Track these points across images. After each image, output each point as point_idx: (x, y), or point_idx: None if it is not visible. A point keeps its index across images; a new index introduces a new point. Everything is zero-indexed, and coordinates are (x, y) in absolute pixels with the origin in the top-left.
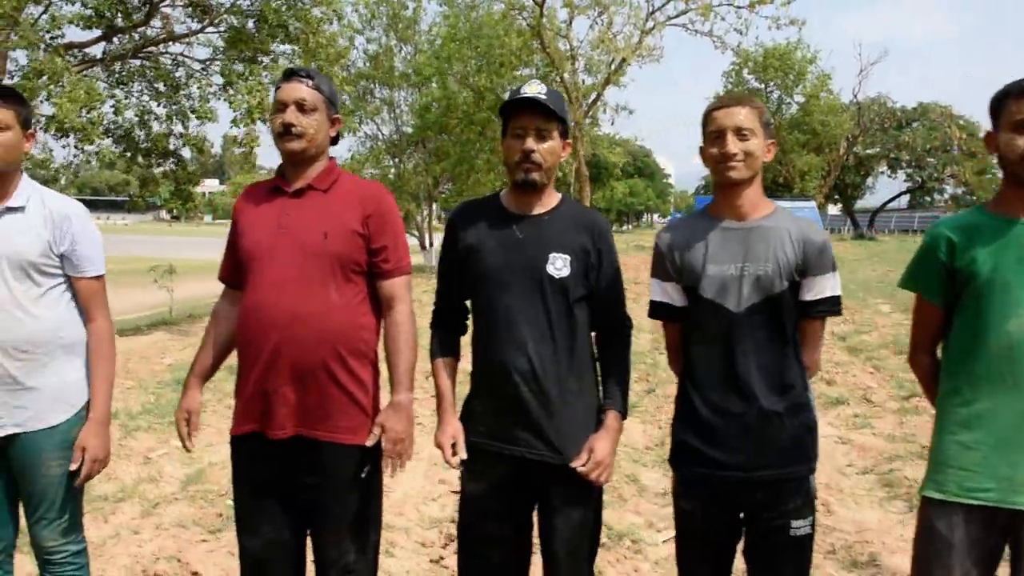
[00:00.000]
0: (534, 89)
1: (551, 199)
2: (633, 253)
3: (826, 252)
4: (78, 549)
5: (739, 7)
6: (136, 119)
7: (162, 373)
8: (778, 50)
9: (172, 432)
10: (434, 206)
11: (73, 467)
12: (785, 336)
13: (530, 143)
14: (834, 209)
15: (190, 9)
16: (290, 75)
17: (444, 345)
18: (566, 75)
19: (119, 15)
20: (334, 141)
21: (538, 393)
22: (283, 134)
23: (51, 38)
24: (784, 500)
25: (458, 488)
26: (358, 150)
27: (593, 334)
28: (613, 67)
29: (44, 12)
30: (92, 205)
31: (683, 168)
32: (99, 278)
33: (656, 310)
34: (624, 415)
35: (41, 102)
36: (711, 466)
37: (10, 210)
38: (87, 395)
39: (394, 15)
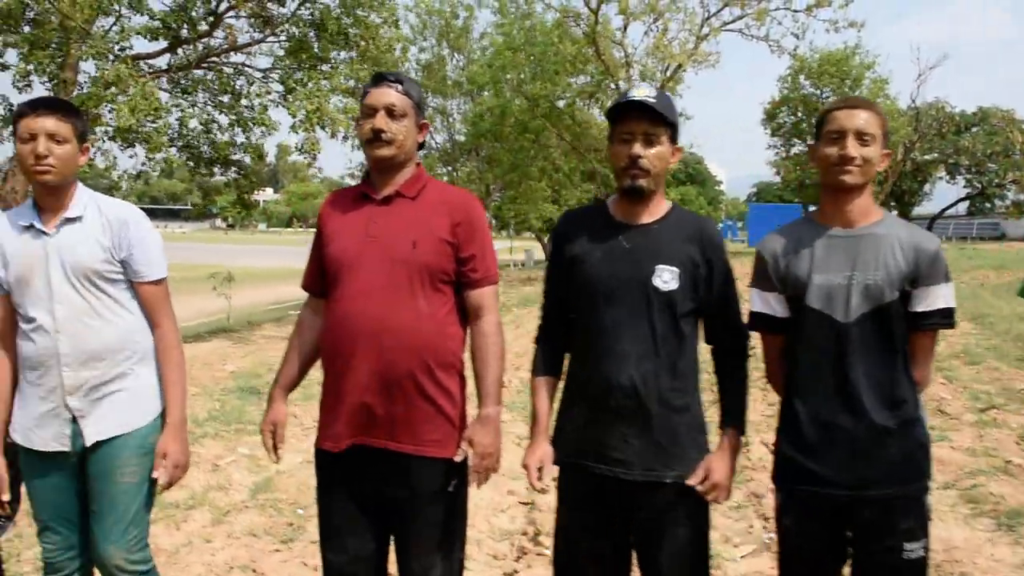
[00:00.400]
0: (642, 92)
1: (660, 207)
2: None
3: (939, 261)
4: (147, 568)
5: (796, 11)
6: (200, 128)
7: (225, 380)
8: (834, 56)
9: (239, 439)
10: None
11: (156, 474)
12: (895, 348)
13: (637, 148)
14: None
15: (253, 20)
16: (379, 80)
17: (548, 362)
18: (621, 82)
19: (185, 26)
20: (419, 146)
21: (638, 410)
22: (372, 140)
23: (119, 49)
24: (895, 521)
25: (527, 500)
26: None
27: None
28: (668, 73)
29: (115, 24)
30: (151, 214)
31: (734, 174)
32: (160, 282)
33: (757, 321)
34: (742, 433)
35: (109, 111)
36: (817, 483)
37: (69, 221)
38: (161, 401)
39: (446, 25)
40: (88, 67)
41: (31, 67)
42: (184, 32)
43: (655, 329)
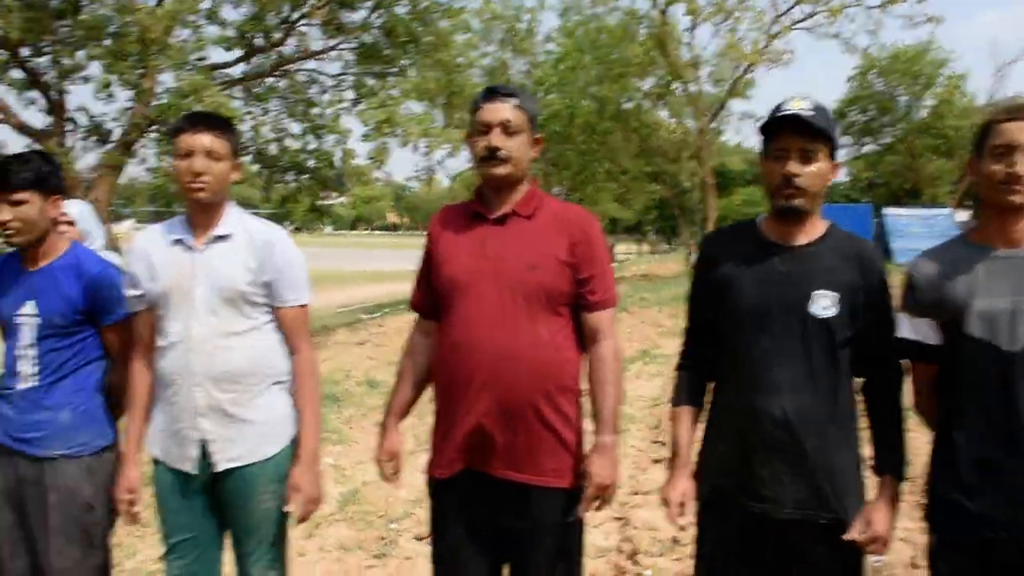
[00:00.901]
0: (797, 105)
1: (816, 228)
2: None
3: None
4: None
5: (870, 7)
6: (272, 136)
7: None
8: (905, 53)
9: (323, 449)
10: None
11: (288, 508)
12: None
13: (792, 166)
14: (963, 215)
15: (325, 27)
16: (492, 94)
17: (691, 391)
18: (690, 85)
19: (259, 35)
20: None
21: (792, 444)
22: (488, 158)
23: (196, 59)
24: None
25: (620, 515)
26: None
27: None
28: (739, 73)
29: (192, 35)
30: None
31: None
32: (303, 307)
33: (907, 349)
34: (903, 478)
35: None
36: (978, 527)
37: (218, 239)
38: (294, 429)
39: (510, 29)
40: (165, 77)
41: (113, 78)
42: (258, 41)
43: (811, 358)
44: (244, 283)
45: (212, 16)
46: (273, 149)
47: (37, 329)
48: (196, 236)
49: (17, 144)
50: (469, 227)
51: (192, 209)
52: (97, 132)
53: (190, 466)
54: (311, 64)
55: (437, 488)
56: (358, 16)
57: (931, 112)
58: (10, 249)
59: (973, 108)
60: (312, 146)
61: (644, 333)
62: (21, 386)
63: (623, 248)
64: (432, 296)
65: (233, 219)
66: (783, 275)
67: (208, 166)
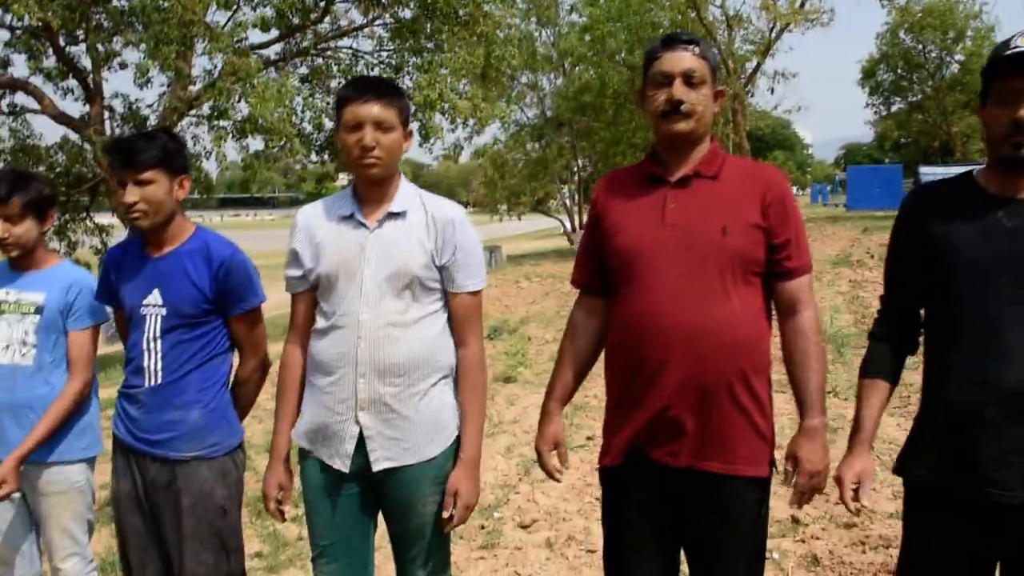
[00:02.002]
0: None
1: None
2: None
3: None
4: None
5: None
6: (310, 115)
7: None
8: (938, 7)
9: None
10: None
11: (446, 514)
12: None
13: None
14: None
15: (361, 3)
16: (672, 42)
17: (882, 362)
18: (723, 45)
19: (297, 14)
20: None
21: None
22: (669, 113)
23: (236, 41)
24: None
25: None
26: (497, 136)
27: None
28: (775, 33)
29: (231, 17)
30: (241, 203)
31: (820, 137)
32: (477, 294)
33: None
34: None
35: (235, 103)
36: None
37: (392, 216)
38: (458, 427)
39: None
40: (201, 60)
41: (155, 63)
42: (295, 20)
43: None
44: (419, 266)
45: None
46: (309, 128)
47: (162, 320)
48: (367, 213)
49: (55, 134)
50: (645, 192)
51: (362, 184)
52: (134, 119)
53: (342, 464)
54: (346, 42)
55: (609, 476)
56: None
57: (961, 67)
58: (122, 237)
59: None
60: None
61: None
62: (148, 383)
63: None
64: (600, 271)
65: (408, 194)
66: (1010, 231)
67: (378, 138)
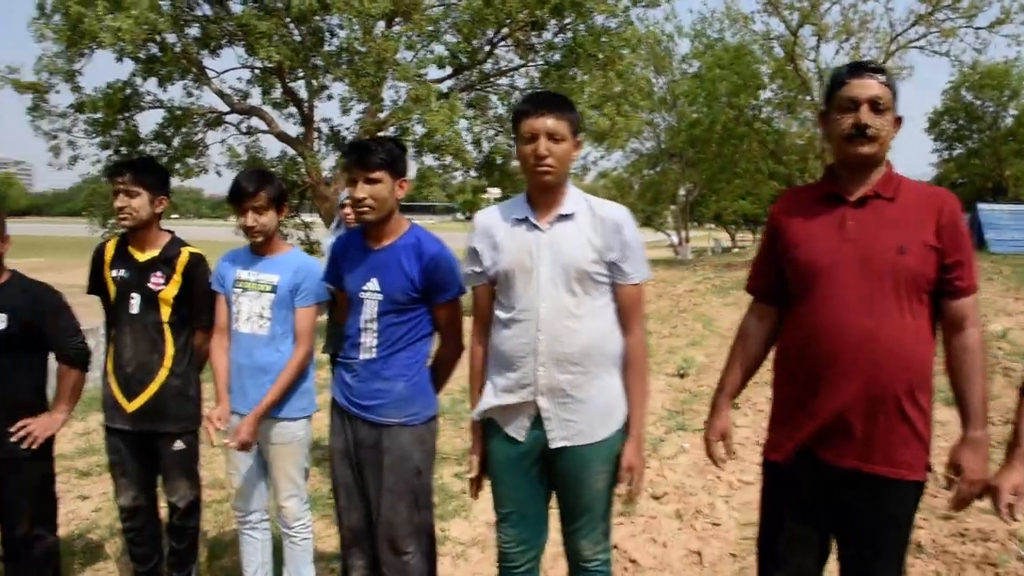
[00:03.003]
0: None
1: None
2: None
3: None
4: (607, 557)
5: (978, 28)
6: (471, 137)
7: None
8: (996, 69)
9: None
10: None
11: (623, 488)
12: None
13: None
14: None
15: (518, 47)
16: (859, 69)
17: None
18: (816, 94)
19: (466, 56)
20: None
21: None
22: (855, 136)
23: (417, 75)
24: None
25: None
26: (620, 163)
27: None
28: None
29: (415, 56)
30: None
31: None
32: (641, 286)
33: None
34: None
35: (414, 125)
36: None
37: (562, 218)
38: (626, 410)
39: (650, 50)
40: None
41: (354, 92)
42: (464, 60)
43: None
44: (588, 262)
45: (434, 37)
46: (470, 147)
47: (378, 305)
48: (539, 216)
49: (274, 151)
50: (823, 209)
51: (535, 190)
52: (334, 139)
53: (517, 434)
54: (504, 80)
55: (774, 470)
56: (545, 38)
57: (1015, 120)
58: (346, 228)
59: None
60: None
61: None
62: (363, 357)
63: (742, 236)
64: (775, 280)
65: (575, 198)
66: None
67: (550, 148)
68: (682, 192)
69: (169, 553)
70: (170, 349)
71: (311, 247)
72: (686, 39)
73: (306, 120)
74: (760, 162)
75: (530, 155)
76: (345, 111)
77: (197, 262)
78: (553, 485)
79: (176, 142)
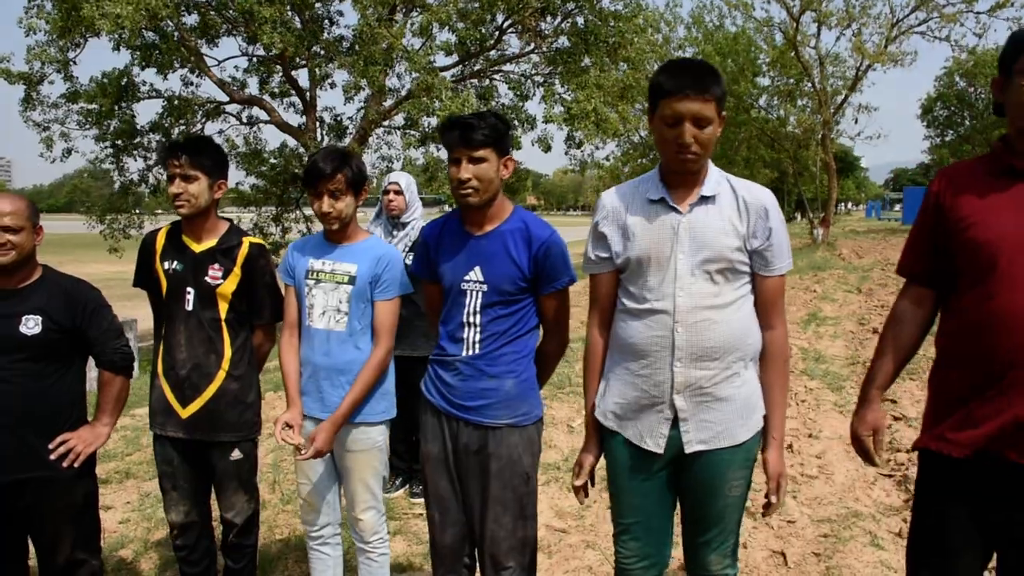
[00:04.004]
0: None
1: None
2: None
3: None
4: (735, 573)
5: (979, 12)
6: None
7: None
8: (988, 54)
9: None
10: None
11: (774, 499)
12: None
13: None
14: None
15: (524, 34)
16: None
17: None
18: (816, 81)
19: (475, 43)
20: None
21: None
22: None
23: (428, 64)
24: None
25: (888, 471)
26: (614, 152)
27: None
28: (860, 71)
29: (424, 43)
30: None
31: (873, 162)
32: (784, 277)
33: None
34: None
35: (425, 116)
36: None
37: (703, 200)
38: (763, 410)
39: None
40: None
41: (363, 81)
42: (473, 48)
43: None
44: (731, 249)
45: (447, 23)
46: None
47: (483, 296)
48: (677, 198)
49: (275, 141)
50: (999, 186)
51: (674, 171)
52: (337, 128)
53: (655, 445)
54: (509, 66)
55: (941, 466)
56: (552, 23)
57: None
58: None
59: None
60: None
61: (803, 299)
62: (466, 353)
63: None
64: (934, 262)
65: (716, 177)
66: None
67: (697, 135)
68: None
69: (225, 573)
70: (228, 349)
71: None
72: (682, 26)
73: (308, 109)
74: (762, 149)
75: (672, 141)
76: (348, 99)
77: (258, 253)
78: (680, 493)
79: (175, 133)
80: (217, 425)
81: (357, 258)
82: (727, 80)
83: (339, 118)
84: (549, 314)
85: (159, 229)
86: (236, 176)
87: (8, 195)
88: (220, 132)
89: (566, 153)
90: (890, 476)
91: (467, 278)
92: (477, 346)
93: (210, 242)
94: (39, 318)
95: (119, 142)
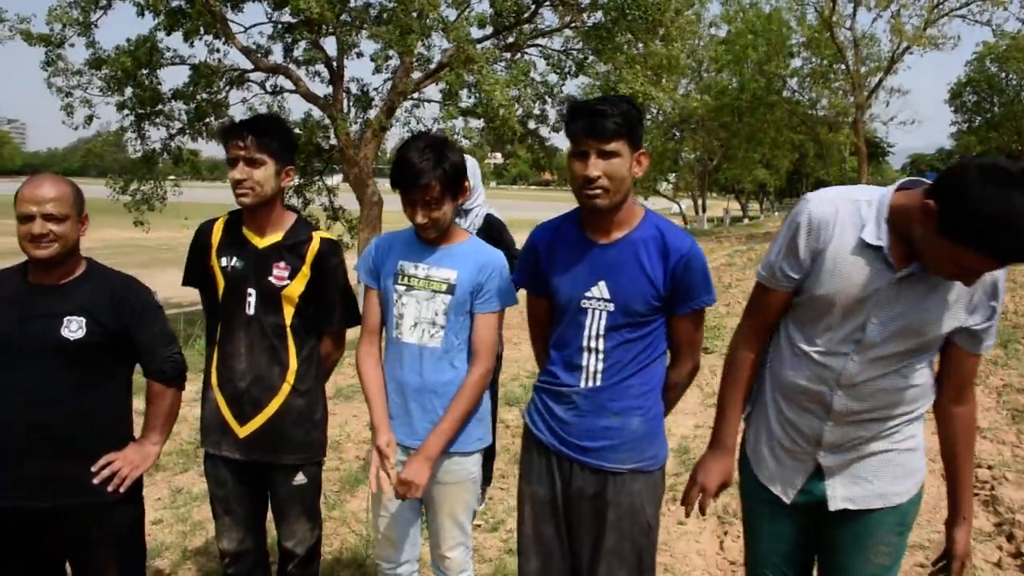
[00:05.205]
0: None
1: None
2: None
3: None
4: None
5: None
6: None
7: None
8: (1020, 41)
9: None
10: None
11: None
12: None
13: None
14: None
15: (561, 6)
16: None
17: None
18: (850, 63)
19: (511, 15)
20: None
21: None
22: None
23: (467, 35)
24: None
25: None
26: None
27: None
28: (897, 54)
29: (460, 14)
30: None
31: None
32: (981, 356)
33: None
34: None
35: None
36: None
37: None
38: (924, 472)
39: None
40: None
41: (391, 51)
42: (508, 20)
43: None
44: (940, 331)
45: None
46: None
47: (607, 317)
48: (896, 250)
49: (299, 111)
50: None
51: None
52: (364, 99)
53: (784, 494)
54: (542, 40)
55: None
56: None
57: None
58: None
59: None
60: (536, 112)
61: None
62: (584, 384)
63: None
64: None
65: None
66: None
67: None
68: (703, 161)
69: None
70: (294, 360)
71: (335, 213)
72: (716, 2)
73: (335, 79)
74: (788, 131)
75: None
76: (378, 69)
77: (331, 250)
78: (819, 550)
79: (199, 100)
80: (280, 446)
81: (457, 263)
82: (760, 59)
83: (365, 88)
84: (683, 337)
85: (215, 220)
86: None
87: (51, 178)
88: (243, 101)
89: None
90: (975, 495)
91: (589, 295)
92: (598, 376)
93: (275, 236)
94: (83, 319)
95: (142, 110)
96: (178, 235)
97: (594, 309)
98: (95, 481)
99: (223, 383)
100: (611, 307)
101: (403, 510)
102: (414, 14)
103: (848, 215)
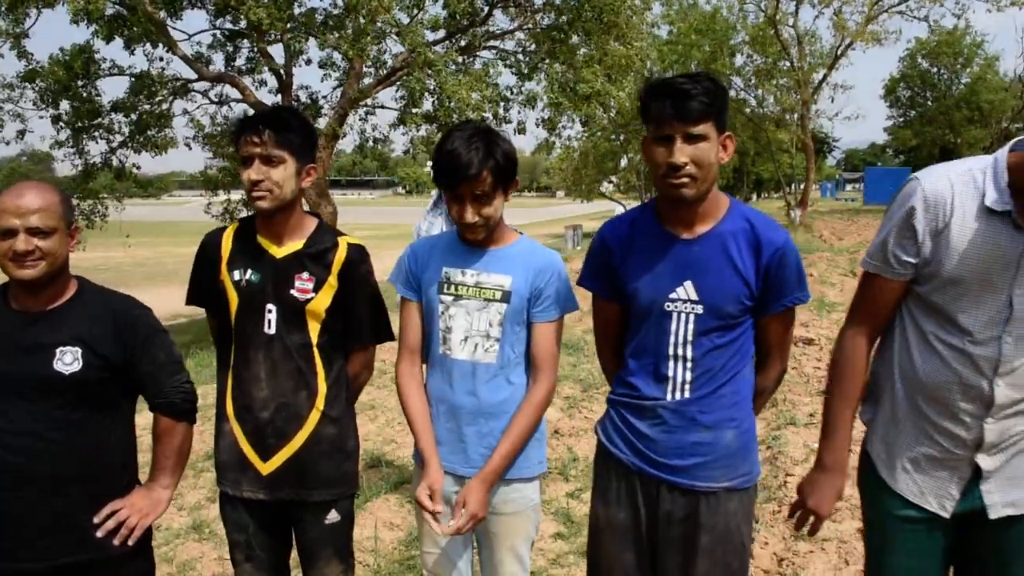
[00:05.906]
0: None
1: None
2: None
3: None
4: None
5: None
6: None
7: None
8: (952, 37)
9: None
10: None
11: None
12: None
13: None
14: None
15: (514, 8)
16: None
17: None
18: (795, 60)
19: (466, 17)
20: None
21: None
22: None
23: (422, 39)
24: None
25: None
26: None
27: None
28: (840, 50)
29: (414, 17)
30: (350, 185)
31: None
32: None
33: None
34: None
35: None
36: None
37: None
38: None
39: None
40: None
41: (338, 57)
42: (463, 22)
43: None
44: None
45: None
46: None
47: (695, 320)
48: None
49: None
50: None
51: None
52: (313, 108)
53: (940, 506)
54: (494, 42)
55: None
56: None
57: (967, 88)
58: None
59: (1003, 84)
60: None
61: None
62: (671, 397)
63: None
64: None
65: None
66: None
67: None
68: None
69: None
70: (322, 383)
71: None
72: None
73: (283, 87)
74: (743, 132)
75: None
76: (326, 76)
77: (359, 258)
78: (963, 564)
79: (141, 111)
80: (309, 481)
81: (510, 267)
82: (705, 59)
83: (314, 96)
84: (773, 339)
85: (223, 229)
86: (202, 158)
87: (35, 185)
88: (184, 112)
89: (547, 134)
90: None
91: (674, 296)
92: (687, 388)
93: (295, 244)
94: (78, 350)
95: (80, 124)
96: (116, 255)
97: (680, 312)
98: (99, 533)
99: (241, 413)
100: (699, 309)
101: (455, 545)
102: (361, 20)
103: (965, 185)
